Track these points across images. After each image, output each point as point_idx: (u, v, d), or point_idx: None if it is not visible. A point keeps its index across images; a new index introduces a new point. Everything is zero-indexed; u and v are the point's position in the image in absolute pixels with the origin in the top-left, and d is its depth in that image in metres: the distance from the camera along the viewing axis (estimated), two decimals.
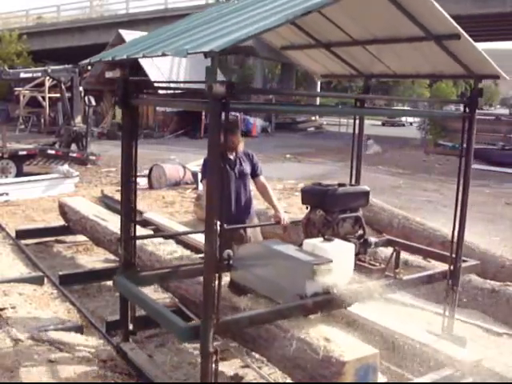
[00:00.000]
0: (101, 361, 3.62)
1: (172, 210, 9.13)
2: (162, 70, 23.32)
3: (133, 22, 30.68)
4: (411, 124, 39.79)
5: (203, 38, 2.76)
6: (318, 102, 23.77)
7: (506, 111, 43.21)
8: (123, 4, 36.95)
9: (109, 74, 24.17)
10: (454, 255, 3.80)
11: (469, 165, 3.73)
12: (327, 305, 3.22)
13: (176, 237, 5.66)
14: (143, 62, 20.66)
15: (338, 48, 4.20)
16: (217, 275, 2.68)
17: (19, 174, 11.48)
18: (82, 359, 3.59)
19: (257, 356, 3.68)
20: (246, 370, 3.73)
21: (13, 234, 6.80)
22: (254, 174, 4.60)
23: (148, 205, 9.32)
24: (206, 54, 2.43)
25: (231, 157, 4.48)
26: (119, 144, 3.64)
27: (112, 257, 5.90)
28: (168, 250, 4.66)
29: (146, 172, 11.62)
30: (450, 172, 13.66)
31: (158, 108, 23.84)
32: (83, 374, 3.40)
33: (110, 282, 4.62)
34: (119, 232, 3.69)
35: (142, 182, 11.54)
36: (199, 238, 5.29)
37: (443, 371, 3.21)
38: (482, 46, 3.78)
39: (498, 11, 23.55)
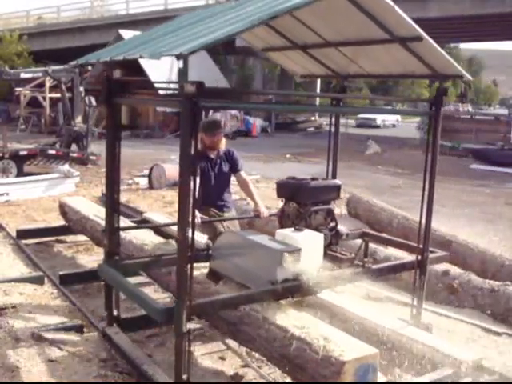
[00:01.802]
0: (101, 360, 3.63)
1: (172, 209, 9.11)
2: (162, 70, 23.28)
3: (133, 23, 30.68)
4: (394, 126, 39.40)
5: (179, 41, 2.87)
6: (317, 103, 23.80)
7: (505, 111, 43.21)
8: (123, 4, 37.02)
9: None
10: (421, 246, 3.92)
11: (435, 159, 3.86)
12: (297, 290, 3.37)
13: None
14: (143, 62, 20.65)
15: (314, 50, 4.26)
16: (189, 259, 2.83)
17: (20, 173, 11.47)
18: (83, 359, 3.60)
19: (257, 356, 3.68)
20: (246, 370, 3.73)
21: (13, 234, 6.81)
22: (235, 170, 4.76)
23: (148, 204, 9.33)
24: (177, 56, 2.56)
25: (212, 156, 4.62)
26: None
27: None
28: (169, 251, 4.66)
29: (147, 172, 11.64)
30: (449, 172, 13.67)
31: (158, 108, 23.82)
32: (83, 374, 3.41)
33: None
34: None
35: (143, 181, 11.57)
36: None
37: (442, 371, 3.22)
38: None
39: (497, 11, 23.56)
